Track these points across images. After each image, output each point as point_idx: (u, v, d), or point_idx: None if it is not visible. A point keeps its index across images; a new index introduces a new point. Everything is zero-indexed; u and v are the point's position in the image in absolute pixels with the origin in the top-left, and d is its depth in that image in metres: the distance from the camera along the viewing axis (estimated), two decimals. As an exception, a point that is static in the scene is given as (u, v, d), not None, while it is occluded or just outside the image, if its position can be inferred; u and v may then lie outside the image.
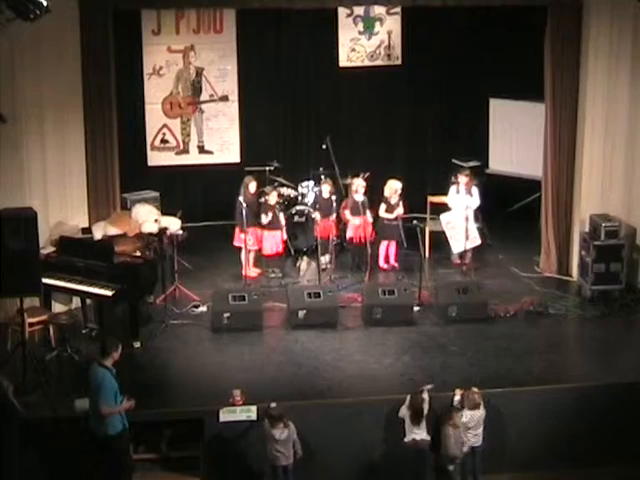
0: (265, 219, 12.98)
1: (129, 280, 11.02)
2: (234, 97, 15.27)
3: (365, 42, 15.46)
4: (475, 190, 13.46)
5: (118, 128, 12.55)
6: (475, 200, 13.41)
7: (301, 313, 11.73)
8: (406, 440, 9.55)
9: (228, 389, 9.85)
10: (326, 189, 13.46)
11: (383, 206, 13.37)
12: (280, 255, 13.24)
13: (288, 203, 14.21)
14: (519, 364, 10.77)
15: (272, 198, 13.16)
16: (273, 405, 9.38)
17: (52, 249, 11.61)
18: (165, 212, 12.94)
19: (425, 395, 9.54)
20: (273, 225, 13.06)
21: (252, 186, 13.03)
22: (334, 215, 13.31)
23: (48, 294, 11.32)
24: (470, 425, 9.54)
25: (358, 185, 13.40)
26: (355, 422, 9.89)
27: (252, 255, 13.15)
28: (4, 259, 9.81)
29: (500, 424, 9.96)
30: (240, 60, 15.14)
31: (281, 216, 13.22)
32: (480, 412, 9.55)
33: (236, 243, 13.10)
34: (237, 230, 13.01)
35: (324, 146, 14.53)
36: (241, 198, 12.80)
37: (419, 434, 9.52)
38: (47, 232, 11.77)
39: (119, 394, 8.94)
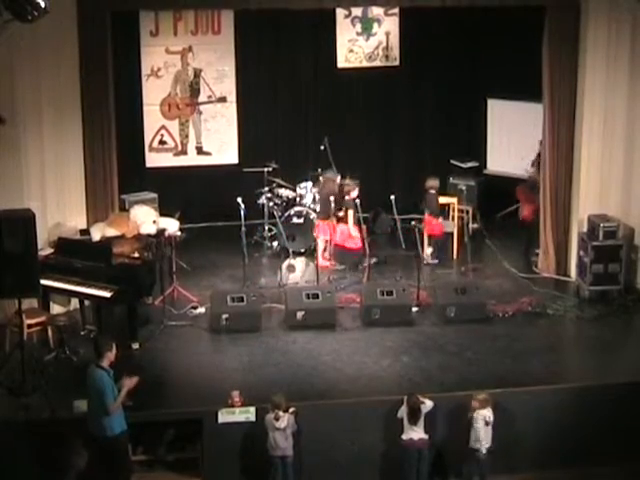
0: (341, 213, 13.40)
1: (127, 281, 11.01)
2: (232, 98, 15.28)
3: (363, 43, 15.48)
4: None
5: (116, 129, 12.54)
6: None
7: (299, 314, 11.73)
8: (404, 438, 9.57)
9: (227, 390, 9.84)
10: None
11: None
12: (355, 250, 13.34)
13: (286, 204, 14.22)
14: (517, 364, 10.77)
15: (354, 193, 13.38)
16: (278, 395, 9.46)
17: (50, 250, 11.59)
18: (163, 213, 12.93)
19: (420, 398, 9.56)
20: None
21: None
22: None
23: (46, 295, 11.32)
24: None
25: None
26: (354, 423, 9.88)
27: (325, 246, 13.45)
28: (2, 260, 9.78)
29: (499, 425, 9.92)
30: (238, 61, 15.15)
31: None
32: (485, 411, 9.57)
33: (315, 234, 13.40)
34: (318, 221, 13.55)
35: (322, 147, 14.54)
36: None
37: (416, 433, 9.54)
38: (45, 233, 11.75)
39: (117, 395, 8.93)
